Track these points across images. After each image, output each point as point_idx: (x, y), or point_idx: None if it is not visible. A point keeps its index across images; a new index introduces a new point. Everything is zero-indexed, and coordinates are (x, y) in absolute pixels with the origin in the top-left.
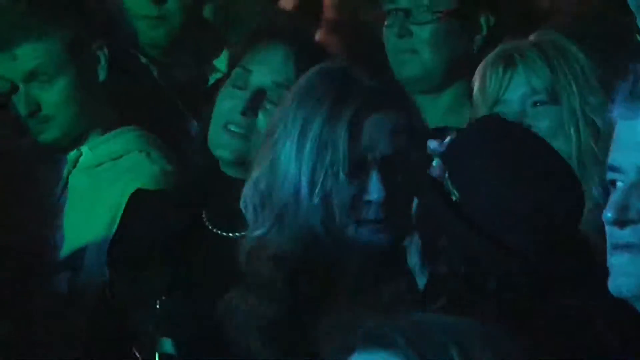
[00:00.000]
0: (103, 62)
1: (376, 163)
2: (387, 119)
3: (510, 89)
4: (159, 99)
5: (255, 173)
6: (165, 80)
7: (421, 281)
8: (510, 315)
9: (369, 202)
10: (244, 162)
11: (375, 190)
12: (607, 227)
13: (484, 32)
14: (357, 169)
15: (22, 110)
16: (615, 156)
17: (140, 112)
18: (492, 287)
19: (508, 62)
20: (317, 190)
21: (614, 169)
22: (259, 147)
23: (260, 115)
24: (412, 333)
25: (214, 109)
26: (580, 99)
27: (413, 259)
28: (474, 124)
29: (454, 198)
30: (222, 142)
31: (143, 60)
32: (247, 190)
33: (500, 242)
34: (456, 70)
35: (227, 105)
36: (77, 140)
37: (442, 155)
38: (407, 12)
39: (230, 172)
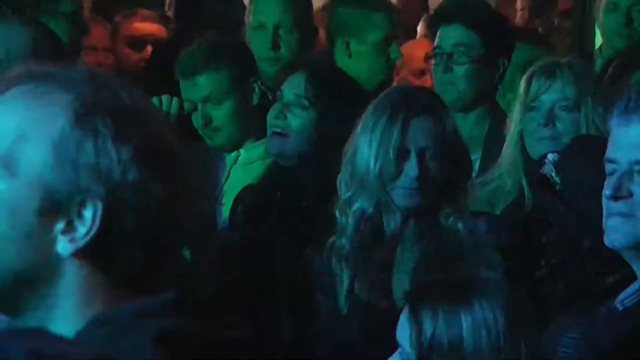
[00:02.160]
0: (257, 90)
1: (415, 151)
2: (426, 122)
3: (547, 93)
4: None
5: (345, 160)
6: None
7: None
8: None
9: (407, 176)
10: (285, 156)
11: (412, 169)
12: (604, 201)
13: (501, 71)
14: (402, 154)
15: (199, 122)
16: (612, 152)
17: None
18: (585, 247)
19: (550, 73)
20: (378, 166)
21: (611, 161)
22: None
23: (290, 117)
24: None
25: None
26: (593, 109)
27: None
28: (578, 140)
29: (557, 187)
30: (271, 143)
31: (263, 88)
32: (341, 173)
33: (588, 216)
34: (480, 98)
35: (271, 115)
36: (236, 145)
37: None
38: (449, 56)
39: (282, 162)
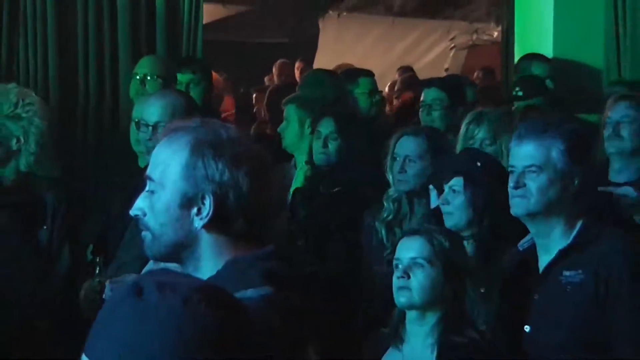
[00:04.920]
0: (309, 128)
1: (401, 157)
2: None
3: (477, 134)
4: None
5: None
6: None
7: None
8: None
9: (395, 171)
10: (328, 165)
11: (397, 167)
12: (509, 189)
13: (459, 114)
14: (392, 160)
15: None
16: (512, 161)
17: None
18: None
19: (479, 121)
20: (389, 165)
21: (512, 166)
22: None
23: (329, 145)
24: None
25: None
26: (505, 142)
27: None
28: (470, 152)
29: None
30: (320, 159)
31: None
32: None
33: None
34: (447, 131)
35: (318, 145)
36: (294, 150)
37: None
38: (429, 106)
39: (326, 168)
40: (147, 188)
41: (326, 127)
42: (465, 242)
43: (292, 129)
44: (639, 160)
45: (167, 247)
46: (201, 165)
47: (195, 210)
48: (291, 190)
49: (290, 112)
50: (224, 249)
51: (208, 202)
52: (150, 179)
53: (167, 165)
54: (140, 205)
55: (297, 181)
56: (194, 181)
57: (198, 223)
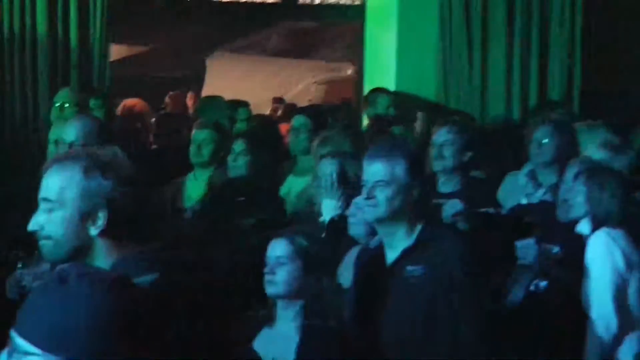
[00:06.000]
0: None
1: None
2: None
3: (322, 152)
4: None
5: None
6: None
7: None
8: None
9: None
10: (241, 175)
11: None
12: (362, 200)
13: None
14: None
15: (194, 150)
16: (364, 176)
17: None
18: None
19: (324, 141)
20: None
21: (364, 180)
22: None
23: (239, 159)
24: None
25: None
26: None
27: None
28: None
29: None
30: (234, 171)
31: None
32: None
33: None
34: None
35: (231, 159)
36: (206, 165)
37: None
38: (297, 130)
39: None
40: (43, 207)
41: (239, 145)
42: None
43: (209, 149)
44: (459, 175)
45: (67, 252)
46: (94, 185)
47: (91, 221)
48: (195, 195)
49: (208, 135)
50: (114, 249)
51: (102, 214)
52: (47, 199)
53: (64, 188)
54: (38, 221)
55: (200, 189)
56: (89, 199)
57: (93, 232)
